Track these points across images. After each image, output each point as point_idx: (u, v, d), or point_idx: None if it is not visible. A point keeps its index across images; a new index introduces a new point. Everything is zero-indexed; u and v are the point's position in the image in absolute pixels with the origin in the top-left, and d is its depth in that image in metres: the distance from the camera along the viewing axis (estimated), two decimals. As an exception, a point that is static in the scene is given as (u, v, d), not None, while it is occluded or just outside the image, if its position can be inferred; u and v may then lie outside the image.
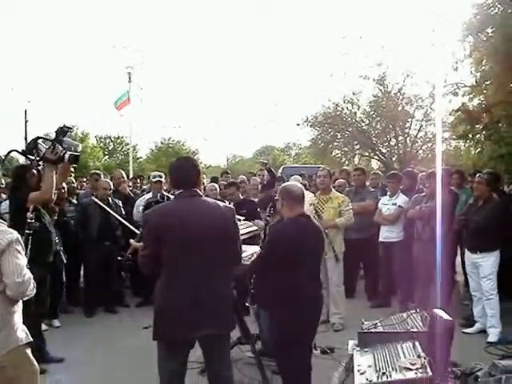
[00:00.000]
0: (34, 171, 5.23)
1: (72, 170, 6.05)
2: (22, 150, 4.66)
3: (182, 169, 3.90)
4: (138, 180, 12.18)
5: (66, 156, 4.47)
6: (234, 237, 3.90)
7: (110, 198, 8.22)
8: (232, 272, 3.96)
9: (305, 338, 4.11)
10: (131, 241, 4.63)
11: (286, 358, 4.07)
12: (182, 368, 3.83)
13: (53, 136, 4.51)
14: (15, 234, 3.29)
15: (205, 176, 11.63)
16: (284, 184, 4.62)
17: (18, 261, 3.23)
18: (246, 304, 5.00)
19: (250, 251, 5.05)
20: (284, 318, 3.97)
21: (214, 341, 3.77)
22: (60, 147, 4.45)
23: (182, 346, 3.77)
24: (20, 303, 3.38)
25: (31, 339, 3.41)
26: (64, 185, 8.52)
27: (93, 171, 10.74)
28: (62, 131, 4.53)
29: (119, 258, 7.69)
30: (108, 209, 8.07)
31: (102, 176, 9.66)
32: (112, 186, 8.41)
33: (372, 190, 8.89)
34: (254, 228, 6.25)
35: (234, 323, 4.06)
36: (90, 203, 8.20)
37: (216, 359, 3.88)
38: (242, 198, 8.31)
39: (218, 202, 4.05)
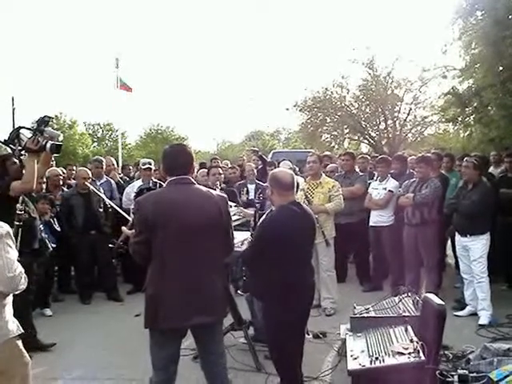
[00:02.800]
0: (15, 160, 5.19)
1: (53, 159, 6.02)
2: (4, 140, 4.64)
3: (176, 155, 3.85)
4: (130, 168, 12.07)
5: (48, 146, 4.46)
6: (227, 225, 3.87)
7: (90, 187, 8.07)
8: (224, 260, 3.94)
9: (298, 325, 4.12)
10: (123, 228, 4.59)
11: (278, 344, 4.07)
12: (175, 355, 3.80)
13: (34, 126, 4.50)
14: (6, 228, 3.24)
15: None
16: (274, 171, 4.50)
17: (8, 255, 3.18)
18: (238, 292, 4.99)
19: (240, 238, 5.05)
20: (277, 306, 3.96)
21: (206, 329, 3.76)
22: (41, 137, 4.43)
23: (174, 334, 3.75)
24: (10, 296, 3.35)
25: (22, 331, 3.39)
26: (60, 172, 8.49)
27: (95, 157, 10.69)
28: (43, 121, 4.51)
29: (110, 245, 7.68)
30: (104, 196, 8.06)
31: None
32: (90, 175, 8.27)
33: (361, 174, 8.89)
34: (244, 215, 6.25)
35: (226, 311, 4.05)
36: (73, 194, 8.14)
37: (209, 347, 3.86)
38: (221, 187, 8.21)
39: (210, 190, 4.01)
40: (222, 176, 8.65)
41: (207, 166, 10.58)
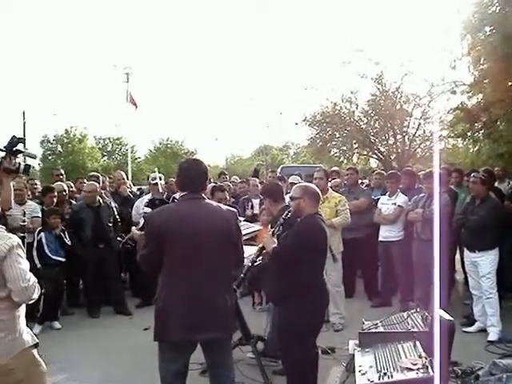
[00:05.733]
0: None
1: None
2: None
3: (191, 171, 3.89)
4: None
5: (21, 166, 4.43)
6: (237, 240, 3.91)
7: (100, 200, 8.13)
8: (233, 274, 3.97)
9: (316, 331, 4.43)
10: (133, 228, 4.67)
11: (294, 351, 4.23)
12: (183, 369, 3.82)
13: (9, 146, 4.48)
14: (16, 239, 3.28)
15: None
16: (305, 184, 5.02)
17: (20, 266, 3.21)
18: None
19: (249, 251, 5.07)
20: (299, 309, 4.18)
21: (215, 343, 3.78)
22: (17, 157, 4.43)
23: (184, 348, 3.76)
24: (24, 306, 3.38)
25: (37, 341, 3.42)
26: (65, 187, 8.53)
27: (91, 173, 10.70)
28: (18, 141, 4.48)
29: (118, 238, 7.78)
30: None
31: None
32: (99, 189, 8.28)
33: (364, 188, 8.90)
34: (254, 229, 6.26)
35: (235, 325, 4.07)
36: (82, 207, 8.16)
37: (218, 361, 3.88)
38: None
39: (220, 205, 4.04)
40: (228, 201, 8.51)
41: (215, 181, 10.62)
